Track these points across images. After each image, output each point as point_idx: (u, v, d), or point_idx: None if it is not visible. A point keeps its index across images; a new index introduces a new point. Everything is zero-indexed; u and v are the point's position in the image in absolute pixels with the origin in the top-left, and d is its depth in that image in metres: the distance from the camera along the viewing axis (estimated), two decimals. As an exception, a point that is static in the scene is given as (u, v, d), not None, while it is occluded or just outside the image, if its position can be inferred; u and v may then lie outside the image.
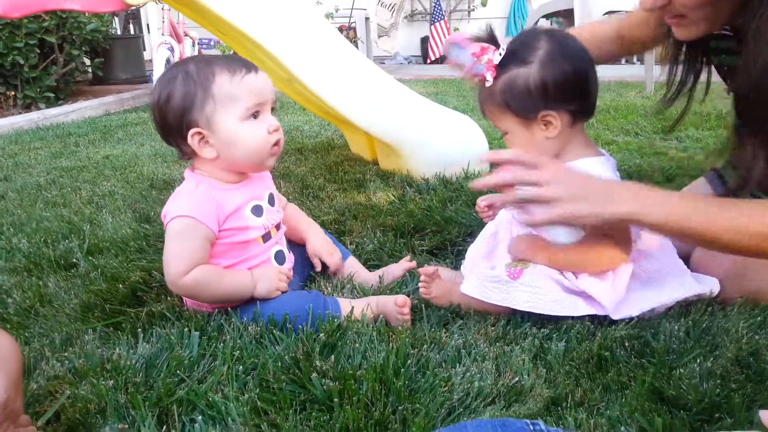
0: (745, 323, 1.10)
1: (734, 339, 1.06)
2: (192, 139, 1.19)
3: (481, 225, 1.41)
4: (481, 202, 1.39)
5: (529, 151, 1.12)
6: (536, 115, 1.16)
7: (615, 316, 1.14)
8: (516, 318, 1.15)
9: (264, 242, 1.26)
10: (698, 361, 1.00)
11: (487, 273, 1.18)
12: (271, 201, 1.31)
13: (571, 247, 1.18)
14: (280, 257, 1.29)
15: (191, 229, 1.17)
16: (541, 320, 1.14)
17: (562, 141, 1.19)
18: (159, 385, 0.98)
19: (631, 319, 1.14)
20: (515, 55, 1.16)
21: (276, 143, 1.22)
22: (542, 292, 1.13)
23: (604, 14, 4.22)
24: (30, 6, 1.66)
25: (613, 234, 1.15)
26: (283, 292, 1.21)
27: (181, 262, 1.16)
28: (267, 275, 1.19)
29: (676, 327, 1.10)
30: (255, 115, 1.19)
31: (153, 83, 3.14)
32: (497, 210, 1.37)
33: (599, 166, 1.18)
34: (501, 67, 1.16)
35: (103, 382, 0.99)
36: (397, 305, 1.19)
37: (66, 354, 1.10)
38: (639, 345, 1.06)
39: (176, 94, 1.17)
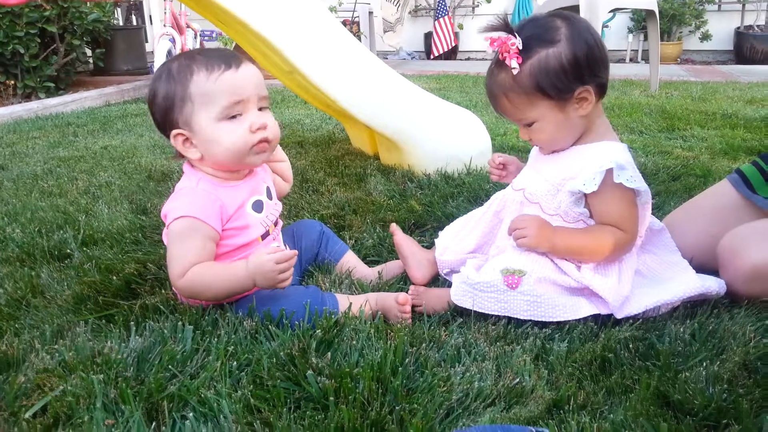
0: (752, 326, 1.08)
1: (741, 342, 1.03)
2: (175, 141, 1.17)
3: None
4: (498, 158, 1.36)
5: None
6: (572, 94, 1.13)
7: (619, 315, 1.11)
8: (517, 317, 1.12)
9: (262, 240, 1.24)
10: (704, 364, 0.97)
11: (480, 280, 1.14)
12: (269, 194, 1.28)
13: (576, 231, 1.16)
14: None
15: (193, 230, 1.14)
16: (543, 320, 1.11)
17: (591, 118, 1.17)
18: (150, 380, 0.96)
19: (636, 319, 1.11)
20: (538, 37, 1.12)
21: (262, 141, 1.16)
22: (542, 300, 1.10)
23: (610, 11, 4.18)
24: (27, -8, 1.63)
25: (619, 221, 1.14)
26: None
27: (180, 265, 1.13)
28: (262, 270, 1.11)
29: (681, 329, 1.07)
30: (237, 113, 1.14)
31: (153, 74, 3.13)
32: (511, 172, 1.34)
33: (621, 149, 1.17)
34: (525, 52, 1.12)
35: (93, 376, 0.96)
36: (398, 303, 1.16)
37: (56, 346, 1.07)
38: (643, 347, 1.03)
39: (159, 94, 1.16)
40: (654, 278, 1.20)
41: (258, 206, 1.23)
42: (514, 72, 1.11)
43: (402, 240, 1.36)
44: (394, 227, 1.39)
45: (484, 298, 1.13)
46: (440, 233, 1.39)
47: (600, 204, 1.15)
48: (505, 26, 1.14)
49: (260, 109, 1.18)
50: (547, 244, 1.15)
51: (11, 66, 4.24)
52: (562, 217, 1.19)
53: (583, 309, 1.11)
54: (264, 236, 1.23)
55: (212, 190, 1.18)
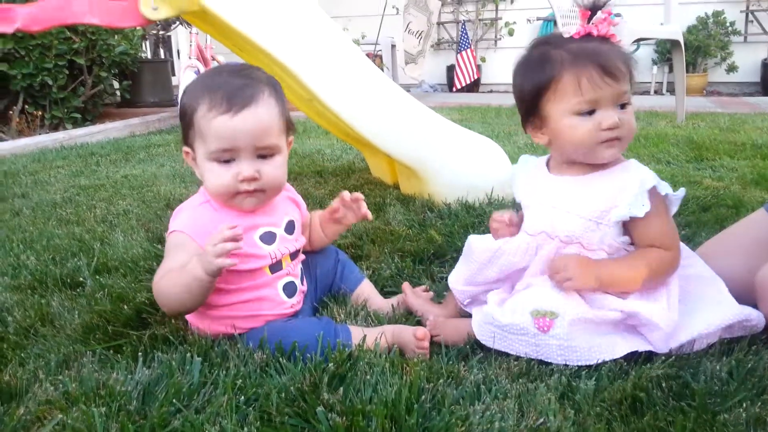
0: (795, 364, 1.00)
1: (784, 382, 0.96)
2: (185, 156, 1.17)
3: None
4: (507, 216, 1.25)
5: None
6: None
7: (663, 349, 1.05)
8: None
9: (272, 273, 1.18)
10: (744, 405, 0.90)
11: (509, 322, 1.06)
12: (290, 229, 1.23)
13: (619, 261, 1.09)
14: (289, 289, 1.20)
15: (182, 245, 1.12)
16: (569, 356, 1.05)
17: None
18: (153, 414, 0.92)
19: (668, 356, 1.04)
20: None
21: (249, 192, 1.12)
22: (576, 344, 1.02)
23: (633, 42, 4.15)
24: (49, 20, 1.65)
25: (664, 238, 1.08)
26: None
27: (160, 273, 1.11)
28: (203, 252, 1.04)
29: (717, 366, 1.00)
30: (228, 158, 1.10)
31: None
32: (515, 224, 1.24)
33: (641, 165, 1.13)
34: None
35: (94, 409, 0.92)
36: (416, 337, 1.11)
37: (60, 377, 1.04)
38: (677, 386, 0.96)
39: (181, 105, 1.16)
40: (690, 305, 1.13)
41: (268, 238, 1.18)
42: (619, 40, 1.10)
43: (413, 300, 1.30)
44: (406, 286, 1.34)
45: (514, 340, 1.06)
46: (450, 277, 1.29)
47: (645, 226, 1.08)
48: (595, 5, 1.11)
49: (263, 156, 1.12)
50: (593, 282, 1.07)
51: (40, 97, 4.33)
52: (606, 251, 1.11)
53: (619, 347, 1.04)
54: (273, 268, 1.18)
55: (215, 212, 1.16)
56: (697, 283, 1.15)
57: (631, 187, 1.07)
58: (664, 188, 1.08)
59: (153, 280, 1.13)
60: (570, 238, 1.12)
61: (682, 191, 1.11)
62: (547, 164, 1.23)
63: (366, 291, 1.36)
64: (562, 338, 1.02)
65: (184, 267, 1.06)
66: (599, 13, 1.11)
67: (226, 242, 1.02)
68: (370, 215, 1.32)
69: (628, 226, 1.11)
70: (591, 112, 1.08)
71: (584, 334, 1.04)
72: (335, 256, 1.39)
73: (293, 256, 1.23)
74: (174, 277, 1.08)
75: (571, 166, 1.17)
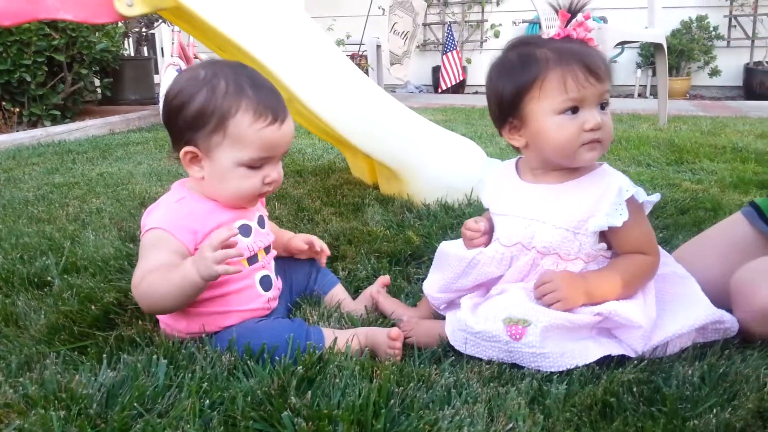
0: (766, 369, 1.00)
1: (755, 387, 0.95)
2: (184, 156, 1.12)
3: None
4: (481, 222, 1.22)
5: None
6: None
7: (636, 352, 1.04)
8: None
9: (249, 264, 1.17)
10: (714, 411, 0.89)
11: (482, 329, 1.04)
12: (261, 223, 1.24)
13: (606, 272, 1.09)
14: (265, 282, 1.20)
15: (161, 241, 1.09)
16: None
17: None
18: (114, 418, 0.89)
19: (641, 360, 1.03)
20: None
21: (267, 192, 1.16)
22: (548, 351, 1.01)
23: (616, 45, 4.16)
24: (21, 14, 1.61)
25: (644, 243, 1.09)
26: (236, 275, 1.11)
27: (140, 274, 1.07)
28: (199, 254, 1.02)
29: (690, 371, 0.99)
30: (260, 165, 1.12)
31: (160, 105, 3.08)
32: (487, 236, 1.22)
33: (614, 171, 1.13)
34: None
35: (53, 413, 0.89)
36: (389, 338, 1.09)
37: (21, 379, 1.01)
38: (648, 391, 0.95)
39: (191, 108, 1.09)
40: (664, 306, 1.12)
41: (245, 230, 1.18)
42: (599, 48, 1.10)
43: (385, 303, 1.28)
44: (376, 290, 1.32)
45: (487, 346, 1.05)
46: (424, 285, 1.27)
47: (625, 233, 1.08)
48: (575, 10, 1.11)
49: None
50: (583, 299, 1.06)
51: (18, 94, 4.26)
52: (583, 260, 1.10)
53: (592, 352, 1.02)
54: (250, 260, 1.17)
55: (193, 205, 1.14)
56: (672, 282, 1.15)
57: (609, 195, 1.06)
58: (641, 195, 1.07)
59: (132, 281, 1.09)
60: (547, 249, 1.11)
61: (656, 196, 1.11)
62: (517, 168, 1.21)
63: (339, 294, 1.34)
64: (534, 346, 1.01)
65: (173, 268, 1.04)
66: (579, 16, 1.10)
67: (227, 248, 1.01)
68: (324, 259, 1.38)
69: (606, 234, 1.10)
70: (574, 111, 1.07)
71: (557, 341, 1.02)
72: (310, 260, 1.37)
73: (267, 250, 1.23)
74: (161, 279, 1.05)
75: (545, 173, 1.15)
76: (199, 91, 1.09)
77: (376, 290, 1.32)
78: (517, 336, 1.02)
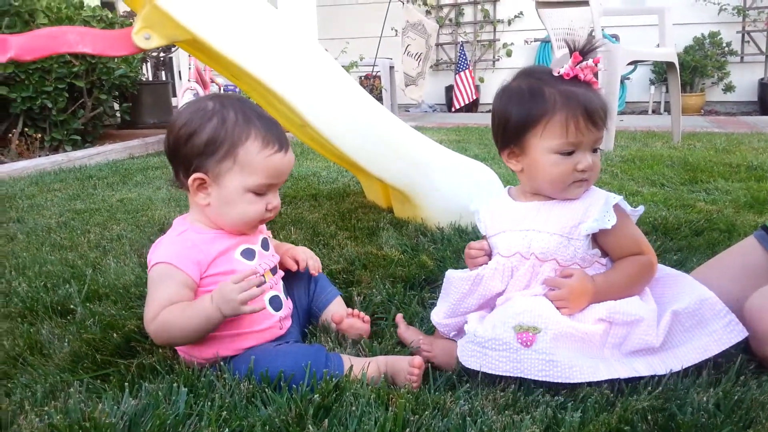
0: (782, 396, 1.00)
1: (771, 414, 0.95)
2: (192, 182, 1.17)
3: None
4: (483, 243, 1.28)
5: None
6: None
7: (649, 372, 1.06)
8: (528, 382, 1.05)
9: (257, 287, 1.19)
10: (730, 439, 0.90)
11: (491, 337, 1.07)
12: (265, 245, 1.27)
13: (610, 275, 1.17)
14: (275, 303, 1.23)
15: (167, 275, 1.13)
16: (555, 386, 1.04)
17: None
18: (137, 447, 0.91)
19: (657, 384, 1.04)
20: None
21: (269, 217, 1.22)
22: (558, 359, 1.03)
23: (629, 64, 4.18)
24: (42, 50, 1.66)
25: (638, 246, 1.17)
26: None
27: (152, 309, 1.11)
28: (224, 296, 1.08)
29: (705, 398, 1.00)
30: (264, 191, 1.19)
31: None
32: (488, 257, 1.27)
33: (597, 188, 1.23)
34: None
35: (78, 443, 0.92)
36: (412, 366, 1.10)
37: (46, 408, 1.03)
38: (663, 419, 0.96)
39: (202, 136, 1.15)
40: (675, 336, 1.14)
41: (249, 254, 1.22)
42: (602, 92, 1.20)
43: (405, 333, 1.30)
44: (399, 319, 1.34)
45: (494, 357, 1.06)
46: (432, 314, 1.31)
47: (616, 238, 1.17)
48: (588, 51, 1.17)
49: None
50: (586, 302, 1.14)
51: (39, 120, 4.35)
52: (579, 264, 1.17)
53: (601, 372, 1.04)
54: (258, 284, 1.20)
55: (194, 236, 1.18)
56: (667, 283, 1.22)
57: (597, 204, 1.16)
58: (627, 206, 1.18)
59: (145, 317, 1.13)
60: (545, 255, 1.17)
61: (641, 209, 1.21)
62: (509, 194, 1.29)
63: (331, 312, 1.35)
64: (545, 352, 1.03)
65: (189, 305, 1.11)
66: (589, 60, 1.17)
67: (246, 281, 1.08)
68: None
69: (600, 241, 1.18)
70: (570, 153, 1.16)
71: (567, 352, 1.05)
72: (306, 274, 1.39)
73: (273, 271, 1.27)
74: (178, 317, 1.10)
75: (535, 195, 1.24)
76: (209, 121, 1.15)
77: (399, 318, 1.34)
78: (528, 343, 1.05)
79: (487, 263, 1.25)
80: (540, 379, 1.03)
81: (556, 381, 1.03)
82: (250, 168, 1.15)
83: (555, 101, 1.14)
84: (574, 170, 1.15)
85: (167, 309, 1.10)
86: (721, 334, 1.10)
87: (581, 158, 1.15)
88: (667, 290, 1.21)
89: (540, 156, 1.17)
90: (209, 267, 1.16)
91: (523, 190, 1.26)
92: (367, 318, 1.34)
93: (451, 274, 1.27)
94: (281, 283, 1.28)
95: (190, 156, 1.16)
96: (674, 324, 1.12)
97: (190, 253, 1.15)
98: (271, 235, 1.33)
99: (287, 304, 1.27)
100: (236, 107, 1.18)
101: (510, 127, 1.19)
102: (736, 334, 1.10)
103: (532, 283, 1.19)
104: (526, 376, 1.04)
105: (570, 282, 1.13)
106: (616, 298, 1.13)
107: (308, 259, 1.37)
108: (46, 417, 1.00)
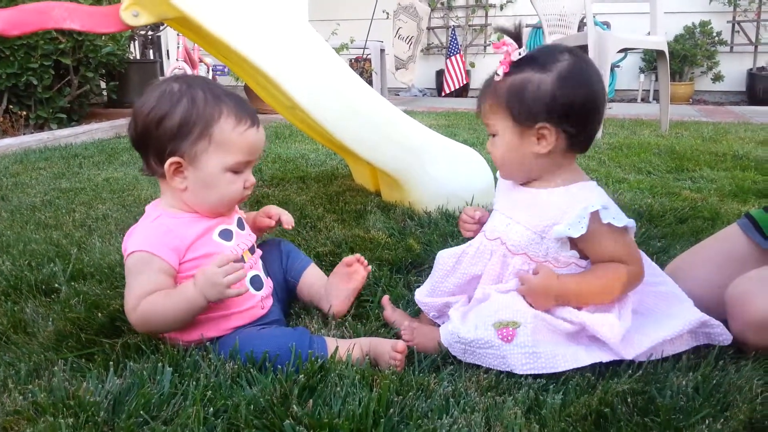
0: (760, 380, 1.02)
1: (747, 398, 0.97)
2: (168, 167, 1.14)
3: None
4: (476, 213, 1.29)
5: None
6: (533, 125, 1.11)
7: (627, 356, 1.06)
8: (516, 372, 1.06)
9: None
10: (707, 422, 0.91)
11: (474, 338, 1.07)
12: (241, 225, 1.27)
13: (583, 276, 1.12)
14: (256, 282, 1.23)
15: (145, 263, 1.12)
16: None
17: (550, 164, 1.15)
18: (121, 425, 0.92)
19: (636, 370, 1.05)
20: (535, 60, 1.12)
21: (247, 195, 1.22)
22: (540, 351, 1.04)
23: (619, 51, 4.18)
24: (29, 24, 1.63)
25: (620, 255, 1.10)
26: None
27: (132, 299, 1.10)
28: (209, 279, 1.07)
29: (684, 381, 1.01)
30: (241, 169, 1.18)
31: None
32: (479, 227, 1.27)
33: (595, 189, 1.14)
34: (516, 67, 1.13)
35: (61, 420, 0.92)
36: (394, 350, 1.11)
37: (30, 386, 1.03)
38: (643, 401, 0.98)
39: (174, 118, 1.12)
40: (653, 316, 1.15)
41: (226, 234, 1.21)
42: (496, 79, 1.14)
43: (390, 314, 1.31)
44: (386, 301, 1.34)
45: (482, 354, 1.08)
46: (416, 292, 1.32)
47: (593, 245, 1.11)
48: (516, 36, 1.15)
49: None
50: (552, 303, 1.11)
51: (24, 97, 4.29)
52: (552, 264, 1.14)
53: (583, 358, 1.06)
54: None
55: (169, 221, 1.16)
56: (668, 300, 1.17)
57: (577, 208, 1.10)
58: (607, 217, 1.08)
59: (126, 307, 1.12)
60: (516, 248, 1.16)
61: (626, 221, 1.10)
62: None
63: (309, 280, 1.36)
64: (527, 345, 1.04)
65: (171, 293, 1.10)
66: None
67: (230, 265, 1.08)
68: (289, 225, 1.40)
69: (578, 244, 1.13)
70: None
71: (548, 344, 1.06)
72: (278, 247, 1.39)
73: (251, 250, 1.26)
74: (160, 306, 1.09)
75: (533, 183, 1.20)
76: (179, 102, 1.13)
77: (386, 300, 1.34)
78: (509, 338, 1.06)
79: (475, 233, 1.26)
80: (526, 372, 1.04)
81: (541, 372, 1.04)
82: (227, 146, 1.14)
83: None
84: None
85: (147, 299, 1.09)
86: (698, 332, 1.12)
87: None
88: (661, 303, 1.17)
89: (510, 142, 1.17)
90: (188, 251, 1.15)
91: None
92: (369, 268, 1.39)
93: (441, 252, 1.28)
94: (260, 262, 1.28)
95: (162, 140, 1.13)
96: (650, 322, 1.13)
97: (166, 239, 1.13)
98: (244, 214, 1.33)
99: (267, 283, 1.26)
100: (203, 86, 1.16)
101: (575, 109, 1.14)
102: (715, 337, 1.12)
103: (506, 275, 1.17)
104: (513, 371, 1.05)
105: (532, 279, 1.11)
106: (588, 302, 1.11)
107: (281, 213, 1.38)
108: (30, 395, 1.00)
